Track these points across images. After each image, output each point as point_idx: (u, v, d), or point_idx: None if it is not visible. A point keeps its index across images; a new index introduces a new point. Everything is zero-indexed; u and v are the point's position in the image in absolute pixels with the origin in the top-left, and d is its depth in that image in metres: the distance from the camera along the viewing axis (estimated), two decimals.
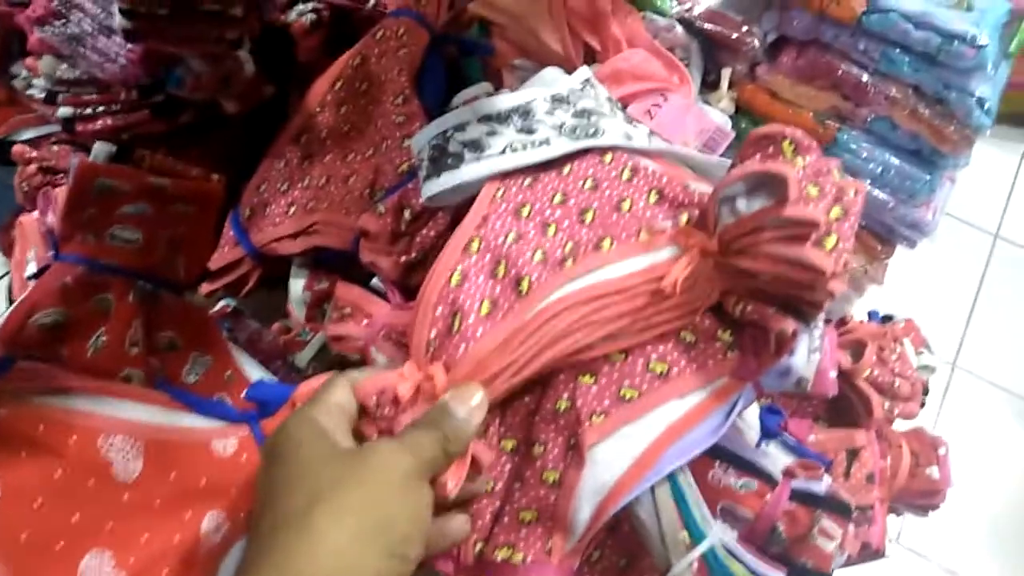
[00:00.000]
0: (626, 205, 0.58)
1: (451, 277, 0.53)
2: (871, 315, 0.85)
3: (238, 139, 0.86)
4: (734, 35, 0.94)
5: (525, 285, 0.52)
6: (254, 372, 0.68)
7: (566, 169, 0.61)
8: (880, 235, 1.00)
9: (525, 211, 0.59)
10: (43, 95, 0.81)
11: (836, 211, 0.51)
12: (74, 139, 0.83)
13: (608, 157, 0.62)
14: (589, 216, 0.58)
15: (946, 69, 0.83)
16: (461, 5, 0.88)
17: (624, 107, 0.90)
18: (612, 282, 0.52)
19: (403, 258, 0.69)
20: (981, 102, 0.85)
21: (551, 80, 0.72)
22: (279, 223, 0.78)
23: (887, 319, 0.86)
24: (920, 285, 1.84)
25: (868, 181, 0.96)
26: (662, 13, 0.95)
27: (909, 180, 0.93)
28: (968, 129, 0.87)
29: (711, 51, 0.96)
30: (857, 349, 0.74)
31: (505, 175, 0.61)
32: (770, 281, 0.52)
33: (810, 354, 0.54)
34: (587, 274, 0.53)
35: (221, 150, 0.86)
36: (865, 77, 0.88)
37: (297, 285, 0.84)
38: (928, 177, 0.93)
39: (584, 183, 0.60)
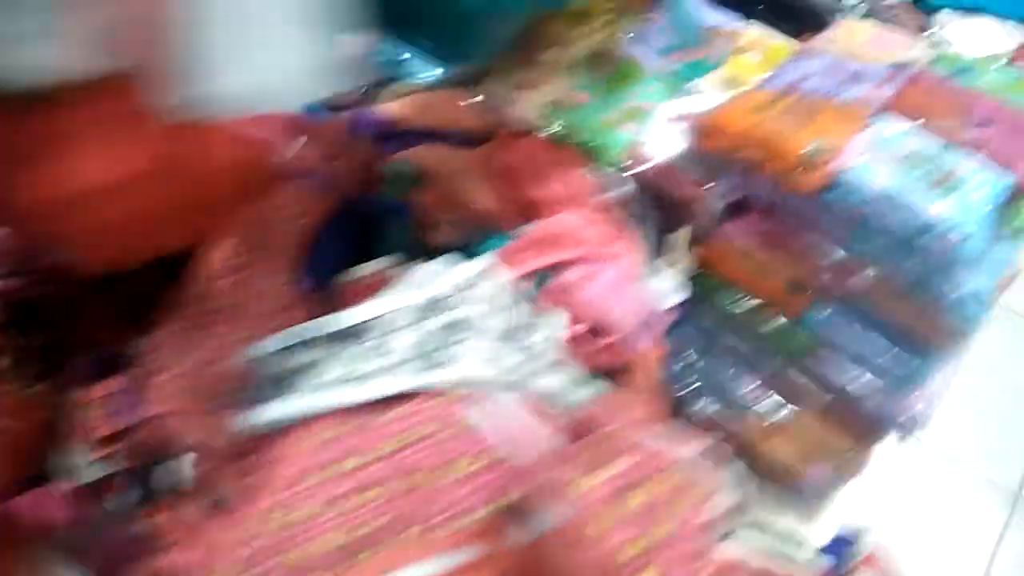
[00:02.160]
0: (441, 478, 0.49)
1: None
2: (829, 547, 0.72)
3: (143, 294, 0.82)
4: (691, 193, 0.83)
5: None
6: None
7: (390, 414, 0.53)
8: (865, 420, 0.86)
9: (330, 470, 0.51)
10: None
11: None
12: None
13: (441, 403, 0.53)
14: (400, 486, 0.50)
15: (926, 258, 0.70)
16: (378, 163, 0.82)
17: (556, 273, 0.81)
18: None
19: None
20: (971, 296, 0.72)
21: (429, 279, 0.64)
22: (156, 400, 0.73)
23: (846, 547, 0.73)
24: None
25: (848, 362, 0.83)
26: (614, 166, 0.86)
27: (895, 364, 0.80)
28: (961, 323, 0.73)
29: (667, 208, 0.86)
30: None
31: (327, 415, 0.53)
32: None
33: None
34: None
35: (125, 306, 0.82)
36: (836, 254, 0.76)
37: None
38: (919, 362, 0.79)
39: (405, 439, 0.52)
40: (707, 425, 0.93)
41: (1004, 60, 0.93)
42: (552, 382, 0.59)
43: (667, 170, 0.84)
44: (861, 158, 0.72)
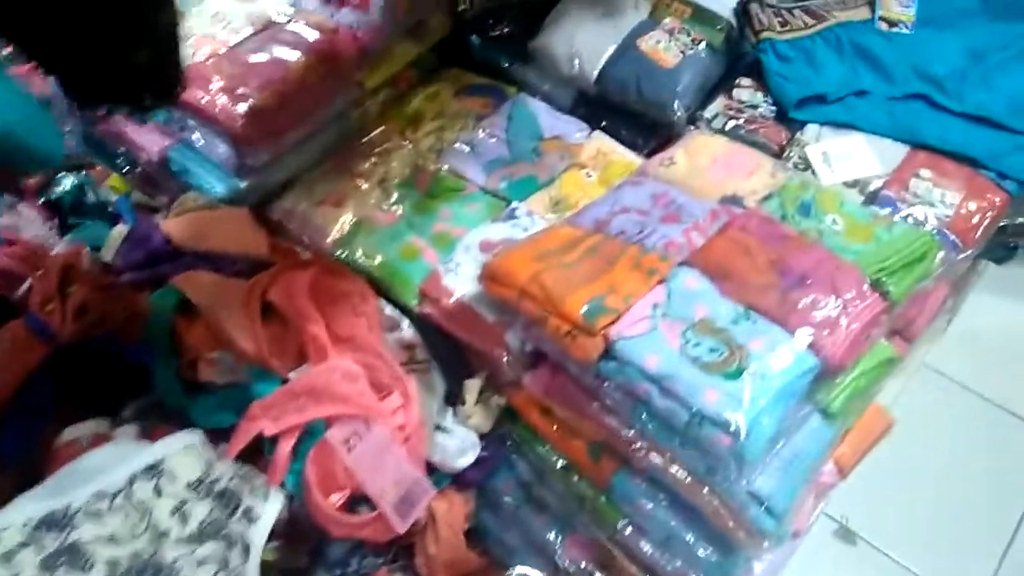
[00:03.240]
0: None
1: None
2: None
3: None
4: (484, 339, 0.73)
5: None
6: None
7: None
8: None
9: None
10: None
11: None
12: None
13: None
14: None
15: (705, 450, 0.59)
16: (137, 298, 0.73)
17: (327, 427, 0.72)
18: None
19: None
20: (762, 496, 0.61)
21: (80, 479, 0.54)
22: None
23: None
24: (975, 476, 1.40)
25: (654, 544, 0.72)
26: (409, 301, 0.76)
27: (698, 556, 0.68)
28: (754, 525, 0.62)
29: (463, 351, 0.76)
30: None
31: None
32: None
33: None
34: None
35: None
36: (622, 428, 0.66)
37: None
38: (723, 558, 0.68)
39: None
40: None
41: (873, 187, 0.81)
42: None
43: (465, 309, 0.74)
44: (642, 324, 0.62)
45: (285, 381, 0.73)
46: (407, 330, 0.75)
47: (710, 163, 0.80)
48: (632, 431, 0.65)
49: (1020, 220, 0.90)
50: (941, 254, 0.72)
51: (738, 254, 0.67)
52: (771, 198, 0.74)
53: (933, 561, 1.18)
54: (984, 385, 1.44)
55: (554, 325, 0.64)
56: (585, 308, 0.62)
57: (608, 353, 0.62)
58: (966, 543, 1.23)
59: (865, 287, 0.64)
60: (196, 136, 0.81)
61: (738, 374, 0.58)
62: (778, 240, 0.68)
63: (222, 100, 0.76)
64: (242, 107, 0.76)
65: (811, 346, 0.61)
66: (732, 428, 0.56)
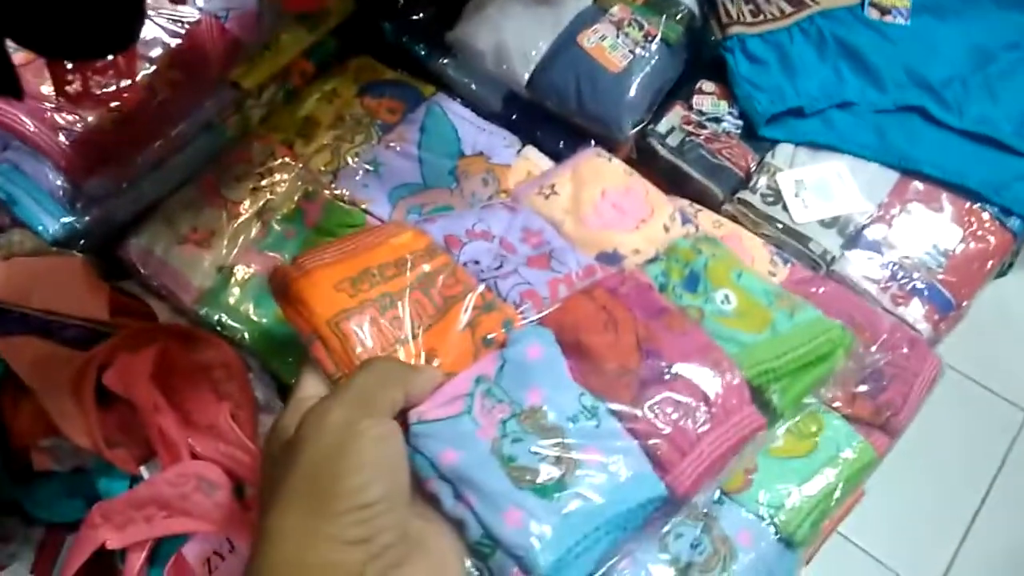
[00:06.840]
0: None
1: None
2: None
3: None
4: None
5: None
6: None
7: None
8: None
9: None
10: None
11: None
12: None
13: None
14: None
15: None
16: None
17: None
18: None
19: None
20: None
21: None
22: None
23: None
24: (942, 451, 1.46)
25: None
26: (281, 382, 0.62)
27: None
28: None
29: None
30: None
31: None
32: None
33: None
34: None
35: None
36: None
37: None
38: None
39: None
40: None
41: (854, 226, 0.67)
42: None
43: None
44: (455, 405, 0.46)
45: (136, 477, 0.60)
46: None
47: (598, 198, 0.62)
48: None
49: None
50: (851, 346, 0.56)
51: (601, 325, 0.51)
52: (655, 262, 0.58)
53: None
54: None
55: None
56: None
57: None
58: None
59: (742, 394, 0.49)
60: (23, 157, 0.64)
61: (556, 491, 0.44)
62: (654, 315, 0.52)
63: (36, 123, 0.59)
64: (64, 134, 0.59)
65: (658, 465, 0.46)
66: (529, 565, 0.42)
